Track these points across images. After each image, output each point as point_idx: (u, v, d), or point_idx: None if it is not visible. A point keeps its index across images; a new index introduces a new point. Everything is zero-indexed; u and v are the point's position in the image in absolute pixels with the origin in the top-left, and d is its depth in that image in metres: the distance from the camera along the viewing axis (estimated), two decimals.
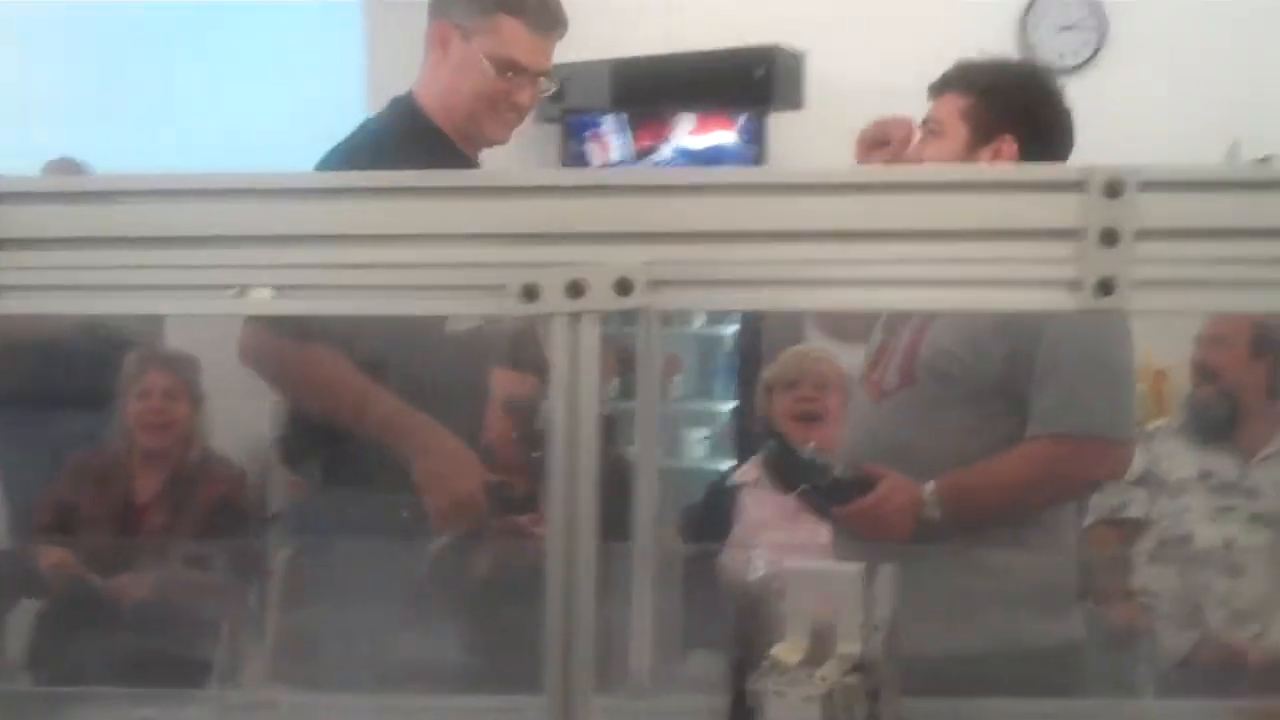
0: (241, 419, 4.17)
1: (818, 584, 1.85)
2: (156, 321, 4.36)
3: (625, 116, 5.45)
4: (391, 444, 2.37)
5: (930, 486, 2.32)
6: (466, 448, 2.42)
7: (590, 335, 0.89)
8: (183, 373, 3.71)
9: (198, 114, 5.07)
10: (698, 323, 5.66)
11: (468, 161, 2.52)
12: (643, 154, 5.43)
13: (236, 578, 3.47)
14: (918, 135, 2.38)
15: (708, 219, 0.92)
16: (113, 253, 0.93)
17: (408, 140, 2.47)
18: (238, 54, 5.16)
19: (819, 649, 1.82)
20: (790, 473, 2.59)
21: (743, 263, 0.92)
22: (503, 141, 2.54)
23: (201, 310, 0.96)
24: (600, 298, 0.89)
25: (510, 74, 2.45)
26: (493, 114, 2.49)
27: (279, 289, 0.92)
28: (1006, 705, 1.95)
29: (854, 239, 0.93)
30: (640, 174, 1.04)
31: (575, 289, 0.89)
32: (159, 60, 5.23)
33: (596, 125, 5.46)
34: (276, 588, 3.27)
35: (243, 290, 0.92)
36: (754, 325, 5.43)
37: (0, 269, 0.94)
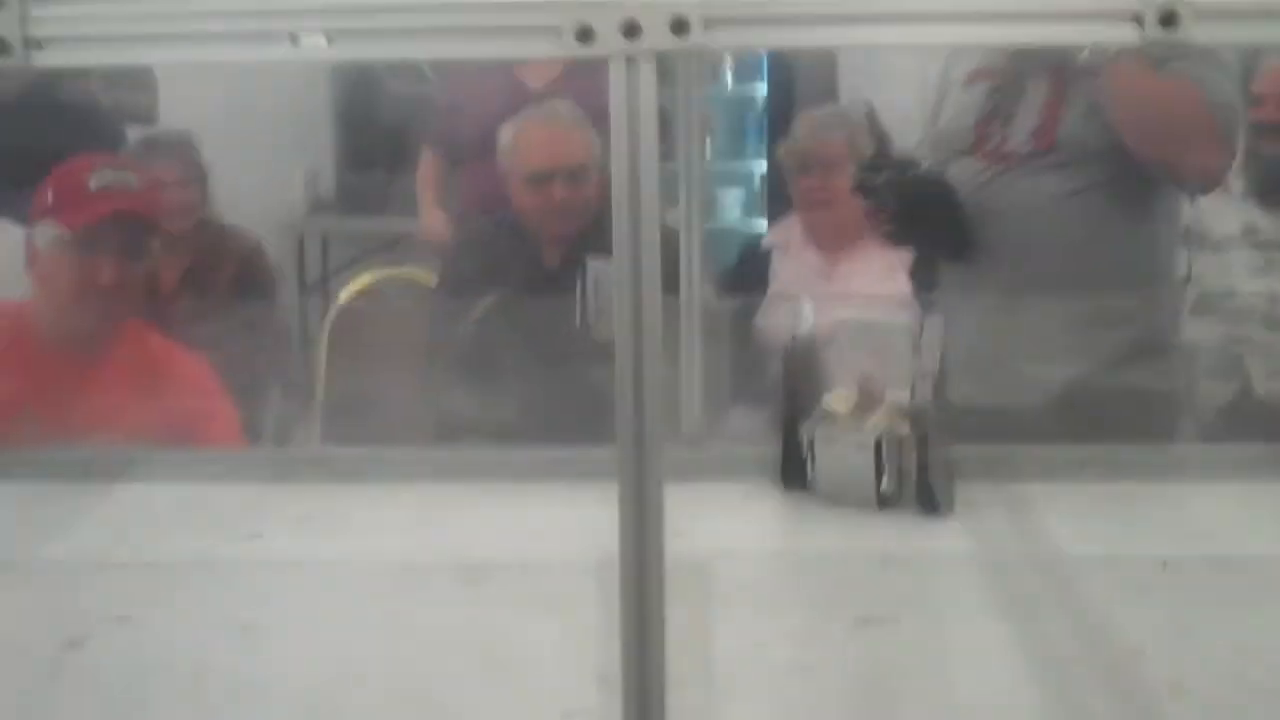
0: (247, 187, 4.17)
1: (867, 335, 1.87)
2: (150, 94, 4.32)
3: None
4: None
5: None
6: None
7: (648, 78, 0.88)
8: (187, 154, 3.66)
9: None
10: (729, 82, 5.58)
11: None
12: None
13: (277, 345, 3.50)
14: None
15: None
16: (155, 2, 0.92)
17: None
18: None
19: (868, 398, 1.85)
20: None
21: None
22: None
23: (253, 58, 0.94)
24: (657, 37, 0.88)
25: None
26: None
27: (332, 35, 0.91)
28: (1049, 452, 1.98)
29: None
30: None
31: (630, 29, 0.87)
32: None
33: None
34: (324, 351, 3.33)
35: (295, 37, 0.91)
36: (785, 84, 5.36)
37: (39, 19, 0.93)
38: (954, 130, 2.45)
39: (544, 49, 0.89)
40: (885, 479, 1.81)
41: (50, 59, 0.93)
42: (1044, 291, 2.33)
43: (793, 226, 3.48)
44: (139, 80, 4.36)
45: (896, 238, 2.58)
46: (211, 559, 1.74)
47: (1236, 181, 3.33)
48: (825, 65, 5.10)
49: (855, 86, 5.07)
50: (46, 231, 2.44)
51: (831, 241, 3.32)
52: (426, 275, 3.53)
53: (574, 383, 2.57)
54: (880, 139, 3.40)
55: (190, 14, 0.92)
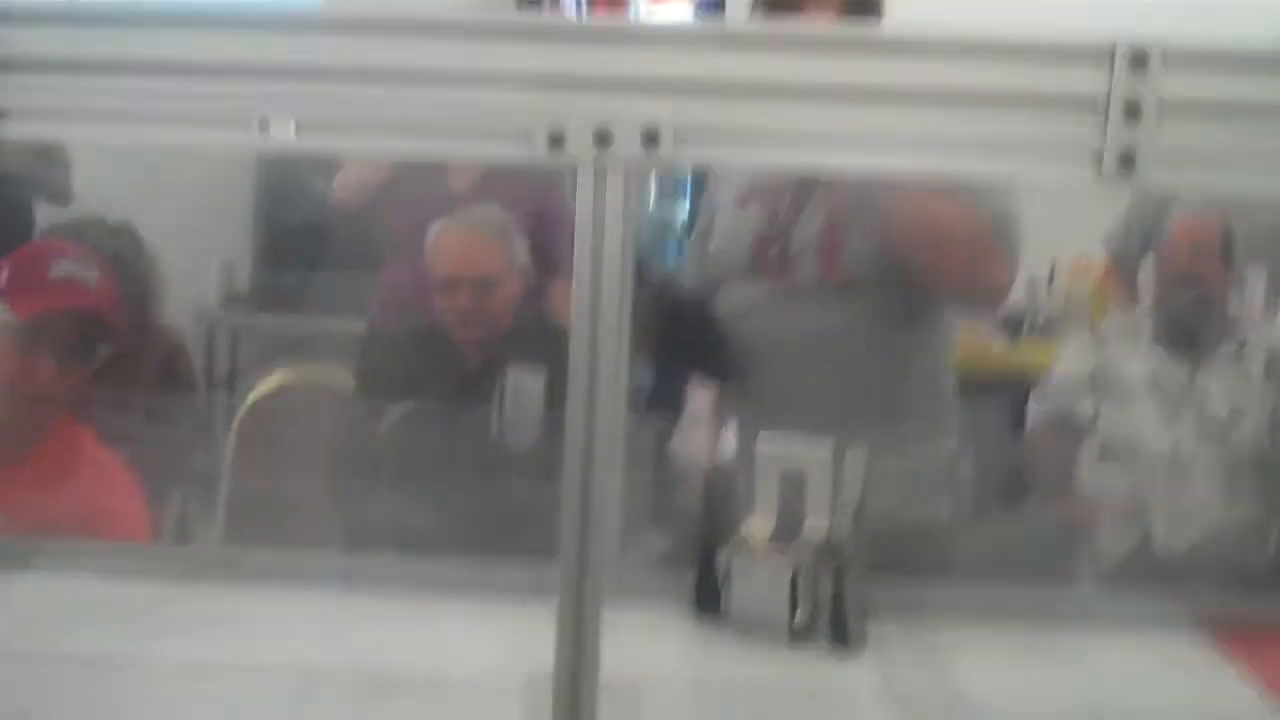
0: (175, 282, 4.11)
1: (786, 463, 1.87)
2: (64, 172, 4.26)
3: None
4: None
5: None
6: None
7: (616, 188, 0.88)
8: (130, 242, 3.57)
9: None
10: (649, 202, 5.62)
11: None
12: None
13: (186, 442, 3.43)
14: None
15: (736, 72, 0.90)
16: (128, 80, 0.91)
17: None
18: None
19: (786, 527, 1.84)
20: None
21: (769, 119, 0.90)
22: None
23: (222, 143, 0.93)
24: (627, 148, 0.88)
25: None
26: None
27: (300, 125, 0.90)
28: (969, 593, 1.99)
29: (885, 100, 0.92)
30: (666, 26, 1.01)
31: (602, 137, 0.88)
32: None
33: None
34: (231, 451, 3.27)
35: (264, 124, 0.90)
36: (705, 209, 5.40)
37: (3, 91, 0.92)
38: (728, 251, 2.42)
39: (514, 152, 0.89)
40: (799, 612, 1.80)
41: (14, 131, 0.91)
42: (822, 418, 2.26)
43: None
44: (52, 157, 4.30)
45: (658, 358, 2.56)
46: (113, 656, 1.70)
47: (1145, 329, 3.40)
48: None
49: None
50: None
51: None
52: (341, 375, 3.49)
53: (490, 494, 2.55)
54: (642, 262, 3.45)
55: (161, 93, 0.91)
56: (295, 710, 1.55)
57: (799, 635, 1.80)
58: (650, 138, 0.89)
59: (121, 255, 3.47)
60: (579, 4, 5.35)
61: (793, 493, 1.86)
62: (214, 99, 0.91)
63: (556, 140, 0.88)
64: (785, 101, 0.91)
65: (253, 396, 3.48)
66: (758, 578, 1.82)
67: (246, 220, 5.35)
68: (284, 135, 0.90)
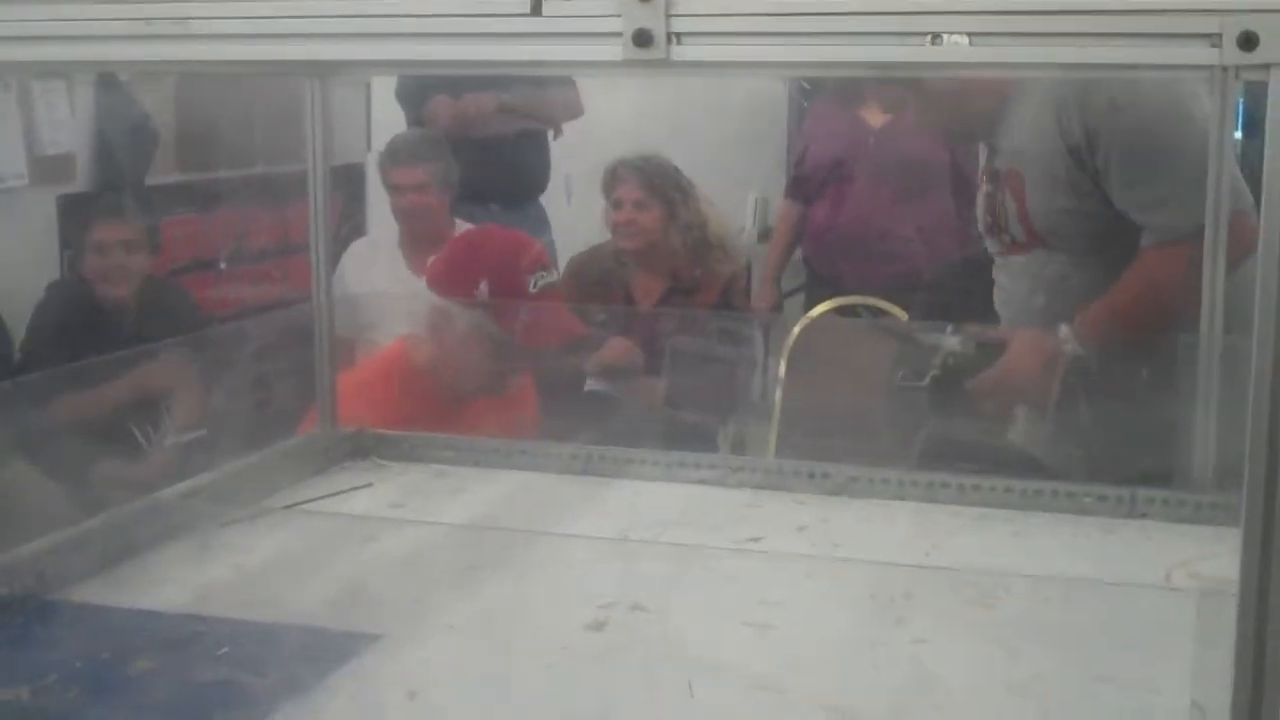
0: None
1: None
2: None
3: None
4: None
5: (1063, 328, 2.33)
6: None
7: None
8: (656, 179, 3.65)
9: None
10: None
11: None
12: None
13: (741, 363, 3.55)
14: None
15: None
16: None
17: None
18: None
19: None
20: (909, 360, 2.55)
21: None
22: None
23: (897, 58, 0.96)
24: None
25: None
26: None
27: (973, 37, 0.91)
28: None
29: None
30: None
31: None
32: None
33: None
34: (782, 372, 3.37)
35: (936, 38, 0.92)
36: None
37: (681, 15, 0.97)
38: None
39: (1199, 56, 0.87)
40: None
41: (689, 54, 0.97)
42: None
43: None
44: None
45: None
46: (714, 549, 1.83)
47: None
48: None
49: None
50: (469, 315, 2.48)
51: None
52: (892, 306, 3.52)
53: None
54: None
55: (828, 13, 0.94)
56: (915, 605, 1.62)
57: None
58: None
59: (671, 192, 3.62)
60: None
61: None
62: (883, 15, 0.93)
63: (1249, 41, 0.85)
64: None
65: (802, 323, 3.56)
66: None
67: (780, 155, 5.37)
68: (957, 47, 0.91)
